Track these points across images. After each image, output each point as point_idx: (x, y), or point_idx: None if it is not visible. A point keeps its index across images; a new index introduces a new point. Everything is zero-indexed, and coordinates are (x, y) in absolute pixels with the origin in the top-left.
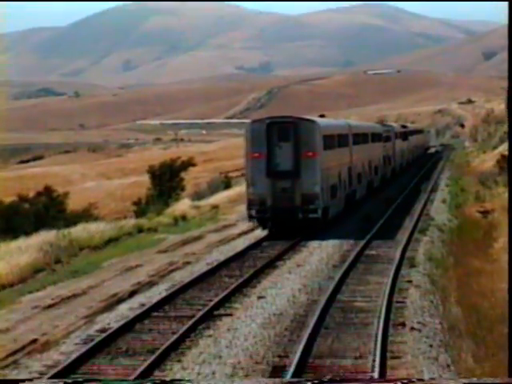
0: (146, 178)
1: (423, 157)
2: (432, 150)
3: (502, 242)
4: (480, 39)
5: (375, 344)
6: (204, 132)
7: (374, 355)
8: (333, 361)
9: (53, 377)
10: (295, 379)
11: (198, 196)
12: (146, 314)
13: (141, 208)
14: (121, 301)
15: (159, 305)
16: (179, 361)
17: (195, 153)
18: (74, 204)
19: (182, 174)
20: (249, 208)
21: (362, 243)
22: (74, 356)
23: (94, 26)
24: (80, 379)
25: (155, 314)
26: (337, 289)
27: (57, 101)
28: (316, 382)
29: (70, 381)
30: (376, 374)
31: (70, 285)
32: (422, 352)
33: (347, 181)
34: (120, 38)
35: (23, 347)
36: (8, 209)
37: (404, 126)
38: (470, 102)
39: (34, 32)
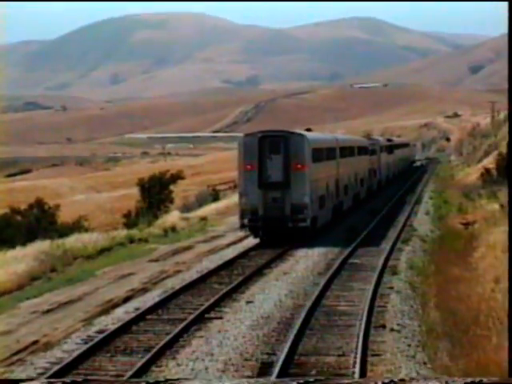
0: (134, 191)
1: (409, 170)
2: (418, 164)
3: (481, 251)
4: (466, 53)
5: (357, 343)
6: (191, 146)
7: (356, 353)
8: (317, 358)
9: (55, 374)
10: (281, 379)
11: (186, 208)
12: (141, 317)
13: (131, 220)
14: (116, 306)
15: (153, 309)
16: (174, 358)
17: (183, 166)
18: (64, 216)
19: (171, 187)
20: (241, 217)
21: (346, 252)
22: (75, 354)
23: (82, 40)
24: (79, 379)
25: (150, 316)
26: (321, 294)
27: (44, 114)
28: (301, 381)
29: (68, 380)
30: (357, 370)
31: (65, 292)
32: (401, 351)
33: (334, 192)
34: (108, 52)
35: (26, 347)
36: (1, 220)
37: (389, 140)
38: (456, 115)
39: (21, 45)
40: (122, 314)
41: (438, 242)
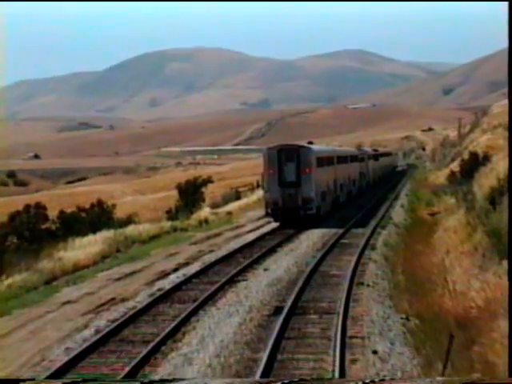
0: (172, 193)
1: (391, 174)
2: (399, 169)
3: (439, 233)
4: (440, 78)
5: (342, 294)
6: (216, 157)
7: (341, 300)
8: (315, 304)
9: (133, 316)
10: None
11: (215, 205)
12: (188, 280)
13: (171, 215)
14: (168, 274)
15: (196, 275)
16: (214, 305)
17: (210, 173)
18: (118, 213)
19: (203, 189)
20: (266, 207)
21: (338, 234)
22: (144, 303)
23: (125, 71)
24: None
25: (194, 280)
26: (318, 264)
27: (95, 133)
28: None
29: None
30: (341, 311)
31: (129, 266)
32: (373, 299)
33: (333, 189)
34: (146, 81)
35: (107, 302)
36: (70, 217)
37: (375, 150)
38: (430, 129)
39: (75, 76)
40: (173, 278)
41: (409, 227)
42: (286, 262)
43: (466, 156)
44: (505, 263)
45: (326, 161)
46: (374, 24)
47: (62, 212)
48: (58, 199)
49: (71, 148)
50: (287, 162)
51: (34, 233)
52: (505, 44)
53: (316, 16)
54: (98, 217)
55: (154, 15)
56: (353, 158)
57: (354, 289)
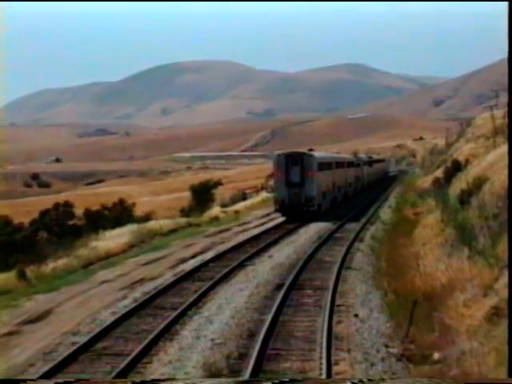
0: (184, 194)
1: (384, 178)
2: (391, 174)
3: (418, 229)
4: (430, 90)
5: (333, 275)
6: (224, 162)
7: (332, 280)
8: (310, 282)
9: (160, 291)
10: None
11: (224, 205)
12: (205, 264)
13: (185, 213)
14: (187, 260)
15: (211, 260)
16: (227, 283)
17: (219, 176)
18: (137, 211)
19: (213, 190)
20: (275, 204)
21: (332, 229)
22: (171, 280)
23: (139, 81)
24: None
25: (210, 264)
26: (314, 252)
27: (111, 139)
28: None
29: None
30: (331, 286)
31: (153, 254)
32: (359, 280)
33: (332, 190)
34: (159, 91)
35: (138, 280)
36: (94, 214)
37: (370, 157)
38: (421, 138)
39: (92, 85)
40: (192, 263)
41: (394, 224)
42: (287, 251)
43: (449, 163)
44: (466, 250)
45: (325, 166)
46: (371, 40)
47: (87, 210)
48: (82, 199)
49: (90, 152)
50: (293, 166)
51: (63, 228)
52: (490, 59)
53: (315, 32)
54: (119, 214)
55: (166, 30)
56: (349, 164)
57: (343, 272)
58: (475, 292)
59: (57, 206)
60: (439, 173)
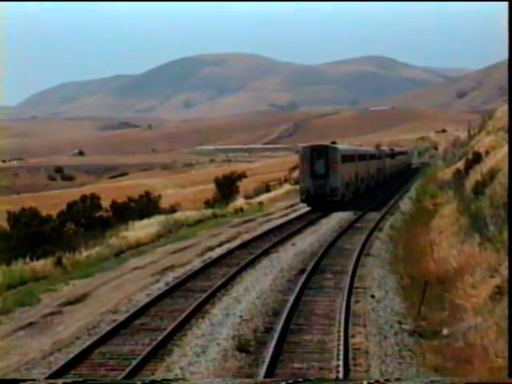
0: (209, 187)
1: (406, 170)
2: (414, 166)
3: (436, 219)
4: (454, 82)
5: (352, 261)
6: (247, 155)
7: (352, 266)
8: (331, 267)
9: (190, 276)
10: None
11: (248, 197)
12: (231, 252)
13: (210, 205)
14: (214, 248)
15: (237, 248)
16: (252, 268)
17: (243, 169)
18: (163, 203)
19: (237, 183)
20: (301, 194)
21: (352, 219)
22: (199, 266)
23: (162, 74)
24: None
25: (236, 252)
26: (335, 240)
27: (134, 132)
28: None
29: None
30: (350, 271)
31: (181, 243)
32: (377, 265)
33: (354, 181)
34: (181, 84)
35: (169, 267)
36: (121, 206)
37: (392, 149)
38: (443, 131)
39: (115, 78)
40: (219, 251)
41: (413, 214)
42: (309, 239)
43: (470, 155)
44: (477, 237)
45: (349, 158)
46: (394, 32)
47: (113, 202)
48: (107, 191)
49: (113, 145)
50: (318, 158)
51: (89, 220)
52: None
53: (338, 24)
54: (145, 206)
55: (189, 24)
56: (371, 156)
57: (362, 258)
58: (483, 275)
59: (84, 198)
60: (460, 165)
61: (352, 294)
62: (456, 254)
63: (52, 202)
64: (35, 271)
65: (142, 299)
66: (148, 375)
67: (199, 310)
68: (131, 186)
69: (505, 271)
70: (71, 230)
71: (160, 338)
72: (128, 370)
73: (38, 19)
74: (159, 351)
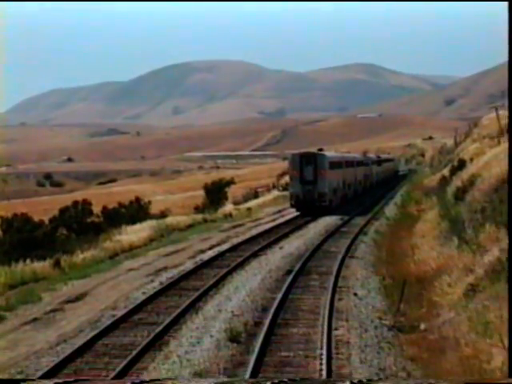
0: (198, 193)
1: (393, 177)
2: (401, 173)
3: (419, 224)
4: (442, 90)
5: (337, 263)
6: (235, 161)
7: (336, 267)
8: (316, 269)
9: (183, 275)
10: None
11: (237, 203)
12: (222, 254)
13: (199, 211)
14: (205, 251)
15: (227, 251)
16: (242, 269)
17: (231, 175)
18: (153, 209)
19: (226, 189)
20: (290, 199)
21: (339, 224)
22: (190, 267)
23: (151, 81)
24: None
25: (226, 254)
26: (321, 244)
27: (123, 138)
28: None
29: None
30: (334, 272)
31: (173, 247)
32: (360, 266)
33: (342, 187)
34: (170, 90)
35: (162, 268)
36: (112, 212)
37: (378, 156)
38: (430, 138)
39: (104, 85)
40: (210, 253)
41: (397, 219)
42: (296, 243)
43: (455, 162)
44: (456, 240)
45: (336, 165)
46: (382, 39)
47: (104, 207)
48: (97, 198)
49: (102, 152)
50: (307, 165)
51: (81, 225)
52: (502, 59)
53: (326, 32)
54: (136, 211)
55: (177, 29)
56: (358, 163)
57: (347, 260)
58: (459, 274)
59: (76, 203)
60: (446, 171)
61: (336, 293)
62: (435, 255)
63: (42, 207)
64: (35, 272)
65: (139, 297)
66: (148, 362)
67: (193, 307)
68: (121, 192)
69: (479, 270)
70: (63, 235)
71: (157, 330)
72: (129, 357)
73: (27, 24)
74: (157, 342)
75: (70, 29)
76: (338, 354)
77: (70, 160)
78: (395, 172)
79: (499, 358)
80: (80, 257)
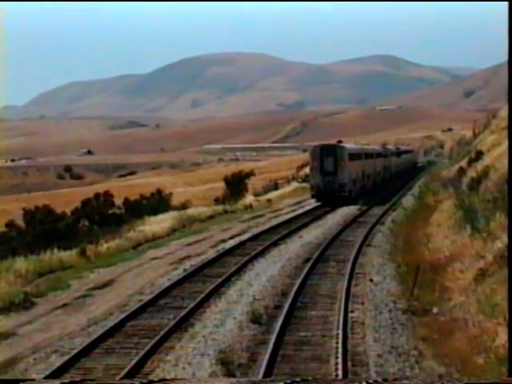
0: (218, 185)
1: (412, 168)
2: (420, 165)
3: (436, 214)
4: (462, 81)
5: (355, 251)
6: (254, 154)
7: (354, 254)
8: (334, 256)
9: (205, 263)
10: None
11: (257, 194)
12: (242, 244)
13: (219, 203)
14: (226, 240)
15: (248, 240)
16: (263, 257)
17: (251, 168)
18: (174, 201)
19: (246, 181)
20: (311, 190)
21: (356, 214)
22: (213, 255)
23: (169, 74)
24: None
25: (247, 243)
26: (339, 233)
27: (142, 131)
28: (288, 381)
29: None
30: (351, 258)
31: (195, 237)
32: (377, 254)
33: (361, 178)
34: (188, 83)
35: (185, 257)
36: (133, 203)
37: (398, 148)
38: (449, 130)
39: (122, 78)
40: (231, 243)
41: (414, 210)
42: (315, 233)
43: (473, 154)
44: (468, 228)
45: (355, 156)
46: (403, 31)
47: (126, 199)
48: (118, 190)
49: (121, 145)
50: (327, 156)
51: (103, 217)
52: None
53: (346, 23)
54: (157, 203)
55: (197, 22)
56: (377, 155)
57: (364, 248)
58: (470, 261)
59: (97, 195)
60: (463, 163)
61: (352, 279)
62: (449, 244)
63: (63, 200)
64: (62, 261)
65: (164, 283)
66: (175, 342)
67: (216, 292)
68: (141, 184)
69: (488, 256)
70: (85, 226)
71: (183, 313)
72: (157, 338)
73: (46, 18)
74: (183, 324)
75: (88, 22)
76: (353, 333)
77: (89, 153)
78: (414, 163)
79: (503, 336)
80: (104, 246)
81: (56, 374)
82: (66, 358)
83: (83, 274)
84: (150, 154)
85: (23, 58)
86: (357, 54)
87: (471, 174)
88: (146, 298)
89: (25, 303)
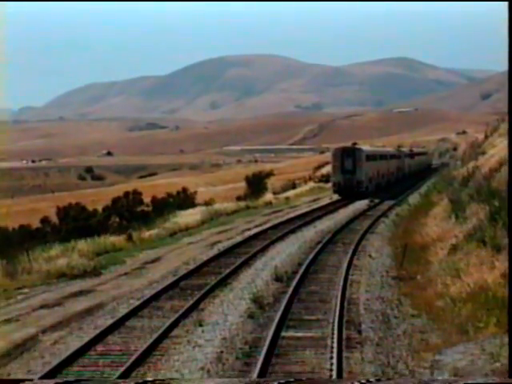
0: (238, 185)
1: (425, 169)
2: (434, 166)
3: (436, 208)
4: (479, 84)
5: (359, 236)
6: (273, 155)
7: (356, 238)
8: (342, 240)
9: (235, 245)
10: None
11: (276, 193)
12: (264, 231)
13: (241, 201)
14: (250, 229)
15: (269, 229)
16: (282, 241)
17: (270, 168)
18: (198, 199)
19: (266, 180)
20: (333, 186)
21: (365, 209)
22: (240, 240)
23: (187, 75)
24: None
25: (269, 231)
26: (346, 224)
27: (161, 132)
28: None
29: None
30: (354, 242)
31: (222, 227)
32: (378, 240)
33: (377, 177)
34: (207, 85)
35: (216, 242)
36: (161, 200)
37: (411, 150)
38: (464, 132)
39: (141, 79)
40: (255, 230)
41: (417, 206)
42: (327, 223)
43: (480, 156)
44: (453, 216)
45: (372, 157)
46: (420, 33)
47: (154, 197)
48: (142, 190)
49: (141, 146)
50: (347, 157)
51: (132, 214)
52: None
53: (364, 25)
54: (183, 201)
55: (215, 25)
56: (392, 156)
57: (367, 235)
58: (450, 241)
59: (127, 193)
60: (474, 163)
61: (355, 255)
62: (437, 230)
63: (90, 199)
64: (114, 244)
65: (203, 258)
66: (218, 293)
67: (246, 263)
68: (163, 184)
69: (459, 235)
70: (115, 222)
71: (222, 275)
72: (203, 291)
73: (66, 19)
74: (223, 283)
75: (106, 23)
76: (351, 288)
77: (109, 154)
78: (428, 165)
79: (458, 286)
80: (146, 234)
81: (136, 311)
82: (140, 301)
83: (134, 253)
84: (169, 156)
85: (42, 58)
86: (373, 56)
87: (463, 173)
88: (191, 267)
89: (94, 272)
